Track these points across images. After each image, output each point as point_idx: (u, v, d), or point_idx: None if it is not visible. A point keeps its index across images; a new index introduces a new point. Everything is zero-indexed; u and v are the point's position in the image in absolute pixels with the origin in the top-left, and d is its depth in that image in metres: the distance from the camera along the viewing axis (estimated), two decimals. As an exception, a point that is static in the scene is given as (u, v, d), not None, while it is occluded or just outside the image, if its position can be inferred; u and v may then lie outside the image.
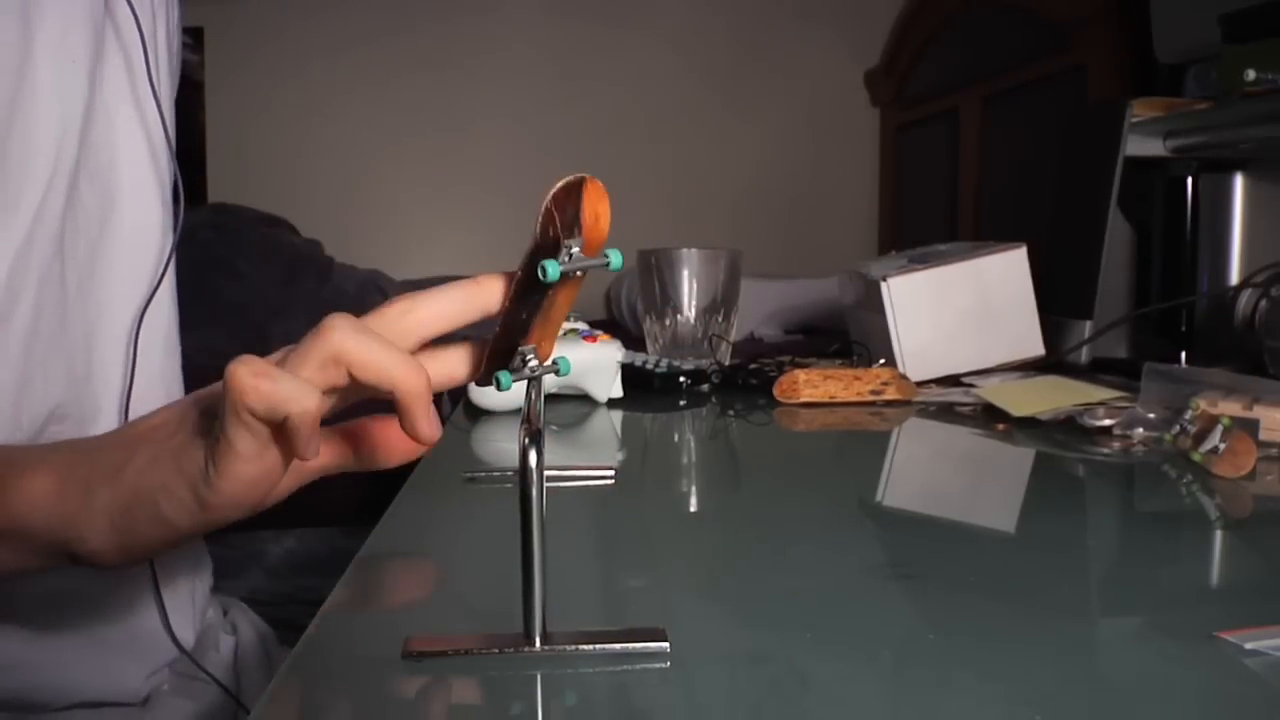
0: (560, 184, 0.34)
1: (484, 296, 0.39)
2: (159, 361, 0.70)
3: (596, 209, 0.34)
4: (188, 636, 0.72)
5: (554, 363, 0.38)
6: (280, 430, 0.38)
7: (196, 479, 0.40)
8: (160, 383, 0.69)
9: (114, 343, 0.66)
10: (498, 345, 0.37)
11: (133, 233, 0.66)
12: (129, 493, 0.41)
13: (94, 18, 0.62)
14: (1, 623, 0.64)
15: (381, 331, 0.38)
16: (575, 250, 0.34)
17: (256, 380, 0.36)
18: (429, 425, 0.39)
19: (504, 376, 0.37)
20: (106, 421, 0.65)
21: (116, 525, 0.42)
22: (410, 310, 0.39)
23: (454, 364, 0.41)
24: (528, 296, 0.36)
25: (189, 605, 0.73)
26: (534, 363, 0.37)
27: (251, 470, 0.39)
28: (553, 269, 0.33)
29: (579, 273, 0.35)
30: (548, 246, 0.34)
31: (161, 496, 0.40)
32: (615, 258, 0.35)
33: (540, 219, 0.34)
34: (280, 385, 0.36)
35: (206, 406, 0.43)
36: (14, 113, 0.57)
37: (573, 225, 0.34)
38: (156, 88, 0.66)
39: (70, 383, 0.63)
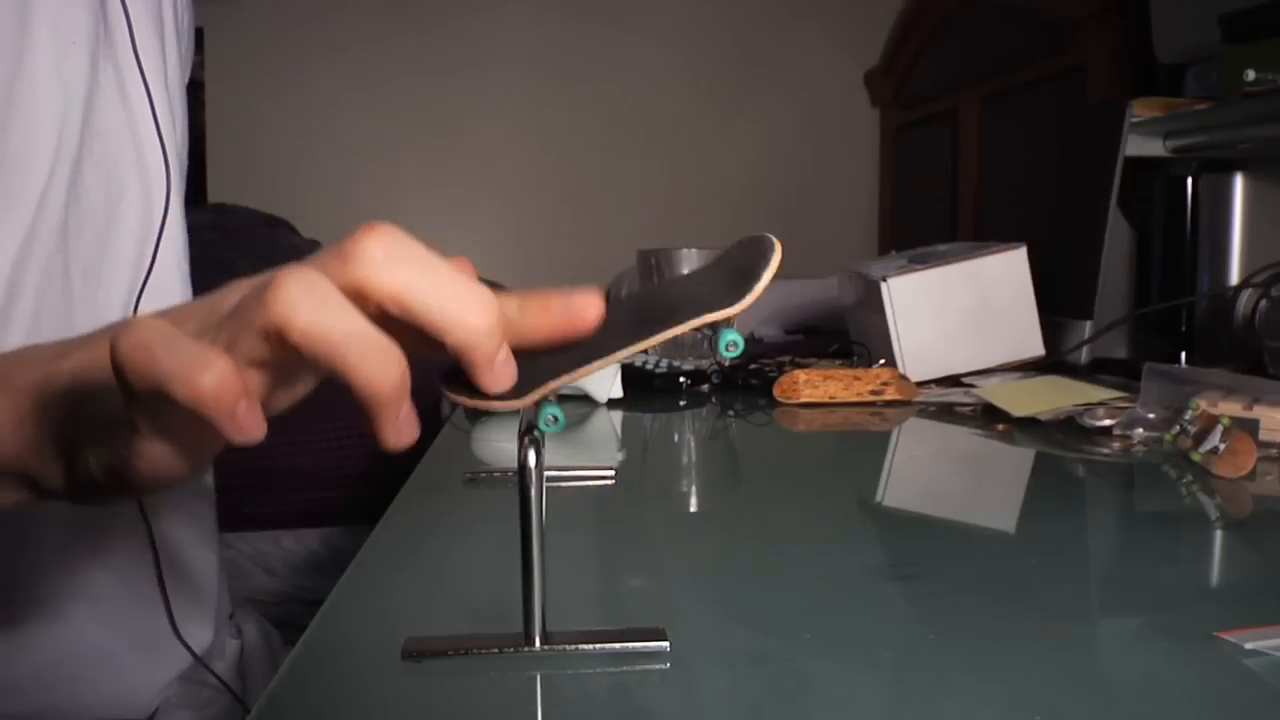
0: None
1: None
2: None
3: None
4: (206, 637, 0.71)
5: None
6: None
7: (119, 444, 0.31)
8: None
9: None
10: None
11: (143, 223, 0.63)
12: (68, 434, 0.34)
13: None
14: (13, 644, 0.63)
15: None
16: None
17: (133, 353, 0.27)
18: (396, 432, 0.29)
19: (560, 413, 0.33)
20: None
21: (62, 464, 0.34)
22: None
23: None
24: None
25: (211, 608, 0.72)
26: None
27: (158, 449, 0.30)
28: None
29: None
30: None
31: (89, 452, 0.33)
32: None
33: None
34: (166, 360, 0.26)
35: None
36: (13, 96, 0.55)
37: None
38: (144, 66, 0.62)
39: None
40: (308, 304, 0.27)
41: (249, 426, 0.27)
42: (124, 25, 0.62)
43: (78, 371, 0.34)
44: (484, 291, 0.28)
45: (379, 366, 0.27)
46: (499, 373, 0.29)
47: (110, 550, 0.65)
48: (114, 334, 0.27)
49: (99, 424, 0.32)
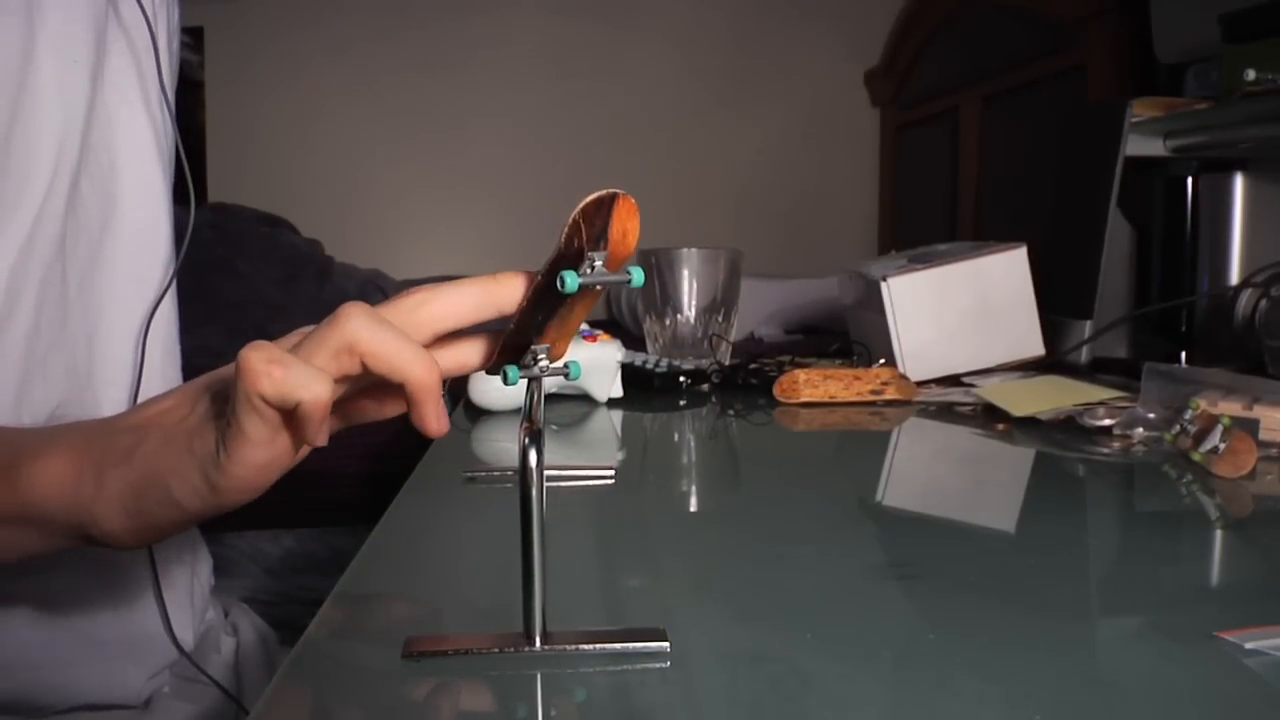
0: (592, 197, 0.34)
1: (502, 295, 0.39)
2: (159, 362, 0.70)
3: (625, 225, 0.34)
4: (187, 638, 0.72)
5: (565, 365, 0.39)
6: (290, 416, 0.38)
7: (207, 462, 0.39)
8: (160, 383, 0.69)
9: (116, 342, 0.66)
10: (511, 340, 0.38)
11: (134, 234, 0.66)
12: (140, 476, 0.41)
13: (96, 17, 0.61)
14: (2, 625, 0.64)
15: (395, 323, 0.39)
16: (598, 264, 0.35)
17: (269, 366, 0.36)
18: (437, 420, 0.39)
19: (512, 371, 0.37)
20: None
21: (129, 508, 0.41)
22: (426, 303, 0.40)
23: (467, 353, 0.42)
24: (544, 301, 0.36)
25: (188, 606, 0.73)
26: (544, 362, 0.38)
27: (261, 455, 0.38)
28: (571, 280, 0.34)
29: (598, 286, 0.35)
30: (571, 256, 0.34)
31: (172, 479, 0.40)
32: (637, 274, 0.35)
33: (567, 229, 0.34)
34: (291, 372, 0.36)
35: (217, 390, 0.43)
36: (16, 112, 0.57)
37: (599, 239, 0.34)
38: (167, 90, 0.66)
39: (72, 382, 0.63)
40: (369, 325, 0.38)
41: (324, 434, 0.38)
42: (125, 46, 0.65)
43: (173, 423, 0.43)
44: (426, 354, 0.39)
45: (422, 367, 0.38)
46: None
47: None
48: (244, 354, 0.36)
49: (186, 465, 0.40)
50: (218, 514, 0.42)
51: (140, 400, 0.66)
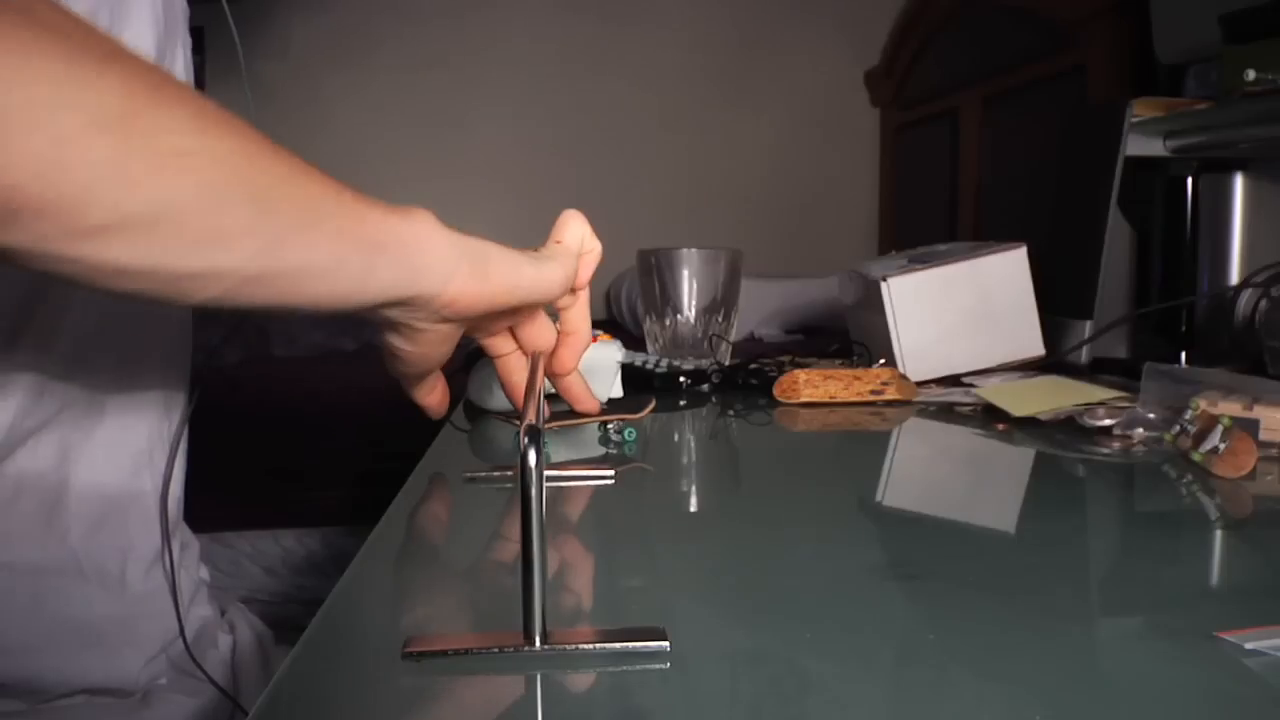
0: None
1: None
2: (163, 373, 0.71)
3: None
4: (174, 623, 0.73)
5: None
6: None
7: (538, 262, 0.56)
8: (161, 389, 0.70)
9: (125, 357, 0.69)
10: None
11: None
12: (480, 249, 0.54)
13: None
14: (1, 609, 0.64)
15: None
16: None
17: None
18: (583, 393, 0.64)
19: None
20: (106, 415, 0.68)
21: (476, 272, 0.53)
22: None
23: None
24: None
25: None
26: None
27: (571, 265, 0.59)
28: None
29: None
30: None
31: (516, 258, 0.55)
32: None
33: None
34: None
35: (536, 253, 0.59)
36: None
37: None
38: None
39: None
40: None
41: (589, 277, 0.64)
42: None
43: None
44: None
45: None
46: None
47: (103, 523, 0.68)
48: (568, 213, 0.63)
49: None
50: (528, 299, 0.54)
51: (142, 405, 0.69)
